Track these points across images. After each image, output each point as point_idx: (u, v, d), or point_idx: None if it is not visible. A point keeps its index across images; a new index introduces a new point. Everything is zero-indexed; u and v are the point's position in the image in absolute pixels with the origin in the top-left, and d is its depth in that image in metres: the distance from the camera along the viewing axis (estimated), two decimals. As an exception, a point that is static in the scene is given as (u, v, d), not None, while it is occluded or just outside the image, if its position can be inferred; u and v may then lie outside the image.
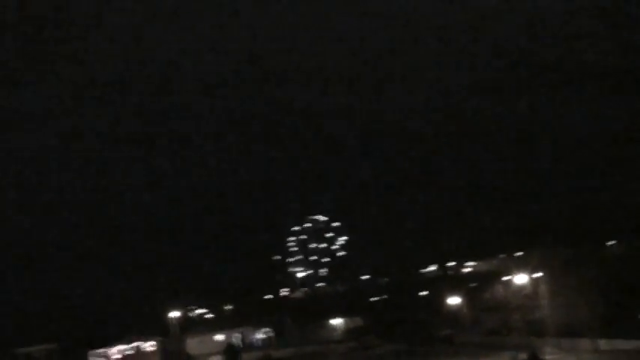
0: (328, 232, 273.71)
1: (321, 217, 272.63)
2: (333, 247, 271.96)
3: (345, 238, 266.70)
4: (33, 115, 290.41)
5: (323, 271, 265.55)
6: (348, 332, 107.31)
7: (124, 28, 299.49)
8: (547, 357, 37.77)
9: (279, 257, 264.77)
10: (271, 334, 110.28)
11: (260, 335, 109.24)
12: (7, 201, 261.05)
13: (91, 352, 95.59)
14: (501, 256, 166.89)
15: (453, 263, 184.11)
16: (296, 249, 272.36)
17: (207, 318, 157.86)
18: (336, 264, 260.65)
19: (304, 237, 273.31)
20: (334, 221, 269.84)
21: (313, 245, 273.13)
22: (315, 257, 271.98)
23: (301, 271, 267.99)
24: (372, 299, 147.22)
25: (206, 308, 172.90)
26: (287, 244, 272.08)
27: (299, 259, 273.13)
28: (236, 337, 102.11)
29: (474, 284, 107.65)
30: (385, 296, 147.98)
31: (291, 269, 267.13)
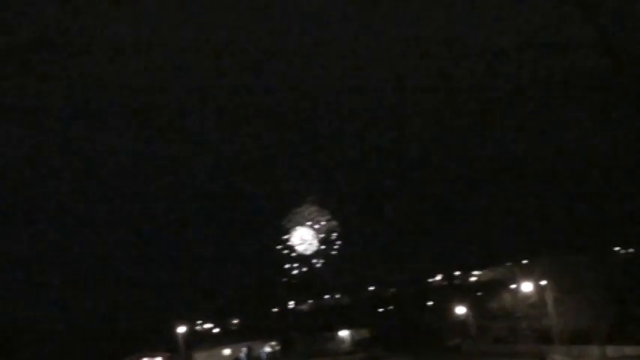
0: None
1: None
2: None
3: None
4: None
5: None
6: (355, 344, 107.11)
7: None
8: (555, 364, 37.97)
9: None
10: (277, 348, 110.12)
11: (267, 349, 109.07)
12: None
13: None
14: (507, 264, 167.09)
15: (459, 272, 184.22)
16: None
17: (214, 333, 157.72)
18: (340, 276, 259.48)
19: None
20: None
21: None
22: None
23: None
24: (378, 310, 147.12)
25: (212, 323, 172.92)
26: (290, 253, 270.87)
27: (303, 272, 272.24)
28: (243, 351, 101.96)
29: (481, 293, 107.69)
30: (391, 307, 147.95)
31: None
